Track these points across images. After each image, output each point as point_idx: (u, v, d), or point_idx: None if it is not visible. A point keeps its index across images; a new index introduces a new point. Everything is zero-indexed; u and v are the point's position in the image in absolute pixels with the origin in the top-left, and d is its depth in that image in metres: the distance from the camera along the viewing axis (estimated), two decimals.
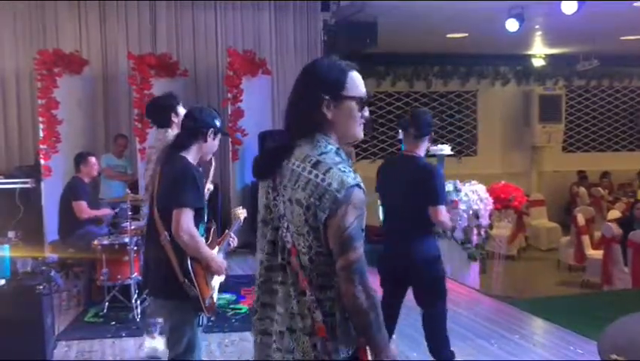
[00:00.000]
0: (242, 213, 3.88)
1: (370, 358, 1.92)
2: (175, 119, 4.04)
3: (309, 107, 1.93)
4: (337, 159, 1.91)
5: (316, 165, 1.88)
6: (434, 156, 7.39)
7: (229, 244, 3.55)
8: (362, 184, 1.90)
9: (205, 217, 3.27)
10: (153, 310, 3.31)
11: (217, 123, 3.28)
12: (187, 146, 3.20)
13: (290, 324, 1.92)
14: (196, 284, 3.04)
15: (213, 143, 3.28)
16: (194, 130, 3.22)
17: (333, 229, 1.84)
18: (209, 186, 3.88)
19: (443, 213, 3.96)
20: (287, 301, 1.93)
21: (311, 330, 1.88)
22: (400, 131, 4.36)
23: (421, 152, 4.18)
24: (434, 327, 4.15)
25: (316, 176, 1.86)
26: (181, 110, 3.89)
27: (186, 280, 3.03)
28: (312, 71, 1.98)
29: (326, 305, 1.89)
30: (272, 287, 1.98)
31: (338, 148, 1.96)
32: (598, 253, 8.54)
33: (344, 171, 1.86)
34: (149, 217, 3.28)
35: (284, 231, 1.93)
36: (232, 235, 3.57)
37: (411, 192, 4.01)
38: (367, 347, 1.92)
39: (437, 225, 4.03)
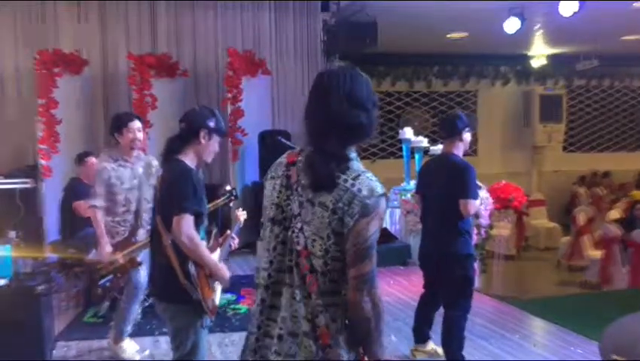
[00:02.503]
0: (242, 214, 3.92)
1: None
2: (119, 139, 4.44)
3: (358, 121, 1.92)
4: (361, 166, 1.92)
5: (345, 170, 1.88)
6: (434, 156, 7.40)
7: (230, 246, 3.55)
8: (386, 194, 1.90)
9: (206, 221, 3.26)
10: (159, 313, 3.32)
11: (211, 124, 3.16)
12: (179, 150, 3.14)
13: (293, 328, 1.89)
14: (198, 287, 3.04)
15: (209, 144, 3.18)
16: (185, 133, 3.16)
17: (355, 236, 1.83)
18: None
19: (473, 206, 4.07)
20: (291, 305, 1.90)
21: (315, 334, 1.87)
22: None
23: (455, 150, 4.27)
24: (451, 329, 4.18)
25: (345, 181, 1.86)
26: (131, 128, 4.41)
27: (187, 283, 3.02)
28: (355, 88, 1.94)
29: (330, 311, 1.88)
30: (280, 289, 1.94)
31: (357, 154, 1.98)
32: (598, 253, 8.54)
33: (372, 180, 1.88)
34: (152, 221, 3.28)
35: (297, 231, 1.89)
36: (233, 235, 3.57)
37: (443, 188, 4.15)
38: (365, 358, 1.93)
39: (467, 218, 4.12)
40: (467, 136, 4.29)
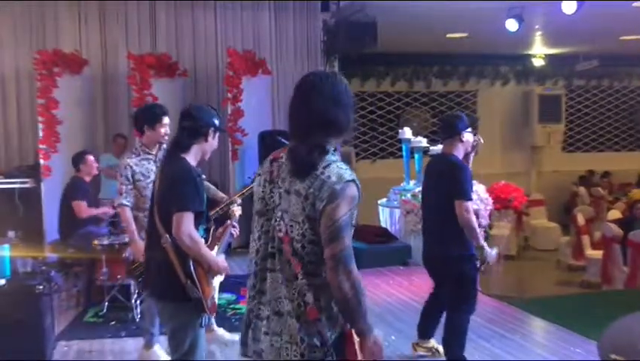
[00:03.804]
0: (237, 210, 3.92)
1: (355, 342, 2.04)
2: (149, 132, 4.34)
3: (337, 119, 2.12)
4: (334, 158, 2.09)
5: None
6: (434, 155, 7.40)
7: (232, 235, 3.54)
8: (358, 181, 2.06)
9: (205, 218, 3.26)
10: (157, 311, 3.31)
11: (217, 122, 3.26)
12: (187, 146, 3.17)
13: (278, 308, 2.08)
14: (198, 286, 3.03)
15: (213, 142, 3.27)
16: (194, 130, 3.19)
17: (326, 218, 1.99)
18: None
19: (466, 208, 3.99)
20: (275, 288, 2.09)
21: (299, 313, 2.03)
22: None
23: (455, 151, 4.23)
24: (453, 330, 4.17)
25: (316, 169, 2.04)
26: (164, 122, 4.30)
27: (188, 282, 3.02)
28: (336, 90, 2.13)
29: (313, 291, 2.04)
30: (265, 275, 2.13)
31: (335, 149, 2.16)
32: (598, 253, 8.54)
33: (342, 168, 2.06)
34: (150, 219, 3.26)
35: (278, 220, 2.08)
36: (234, 224, 3.55)
37: (440, 189, 4.14)
38: (353, 331, 2.05)
39: (461, 221, 4.00)
40: (467, 137, 4.25)
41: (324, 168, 2.04)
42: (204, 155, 3.27)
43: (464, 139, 4.22)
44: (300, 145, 2.08)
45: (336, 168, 2.04)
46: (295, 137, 2.13)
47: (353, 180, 2.03)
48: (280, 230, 2.06)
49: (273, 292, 2.08)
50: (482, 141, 4.43)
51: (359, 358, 2.04)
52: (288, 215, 2.04)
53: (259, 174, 2.21)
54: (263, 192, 2.15)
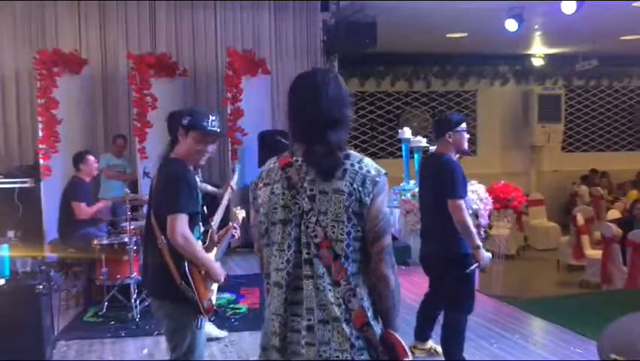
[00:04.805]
0: (240, 213, 3.91)
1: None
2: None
3: (344, 117, 2.08)
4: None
5: (347, 156, 2.03)
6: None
7: (232, 236, 3.53)
8: None
9: (200, 222, 3.22)
10: (154, 311, 3.29)
11: (184, 122, 3.08)
12: (170, 151, 3.17)
13: (322, 316, 1.96)
14: (193, 287, 3.02)
15: (187, 142, 3.10)
16: (170, 134, 3.21)
17: (375, 212, 1.99)
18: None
19: (459, 206, 3.97)
20: (315, 295, 1.97)
21: (347, 318, 1.96)
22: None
23: (446, 151, 4.23)
24: (451, 330, 4.17)
25: (352, 165, 2.01)
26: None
27: (183, 283, 3.00)
28: (339, 88, 2.09)
29: (359, 291, 1.99)
30: (299, 284, 2.01)
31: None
32: (597, 253, 8.54)
33: (372, 162, 2.05)
34: (147, 220, 3.25)
35: (312, 225, 1.98)
36: (235, 225, 3.55)
37: (434, 189, 4.15)
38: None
39: (455, 220, 3.98)
40: (456, 136, 4.22)
41: (359, 162, 2.01)
42: (188, 156, 3.12)
43: (450, 140, 4.21)
44: (317, 147, 2.01)
45: (370, 162, 2.05)
46: (308, 139, 2.04)
47: (386, 173, 2.05)
48: (316, 235, 1.96)
49: (315, 300, 1.97)
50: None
51: (407, 349, 2.04)
52: (328, 216, 1.96)
53: (267, 184, 2.08)
54: (283, 199, 2.03)
